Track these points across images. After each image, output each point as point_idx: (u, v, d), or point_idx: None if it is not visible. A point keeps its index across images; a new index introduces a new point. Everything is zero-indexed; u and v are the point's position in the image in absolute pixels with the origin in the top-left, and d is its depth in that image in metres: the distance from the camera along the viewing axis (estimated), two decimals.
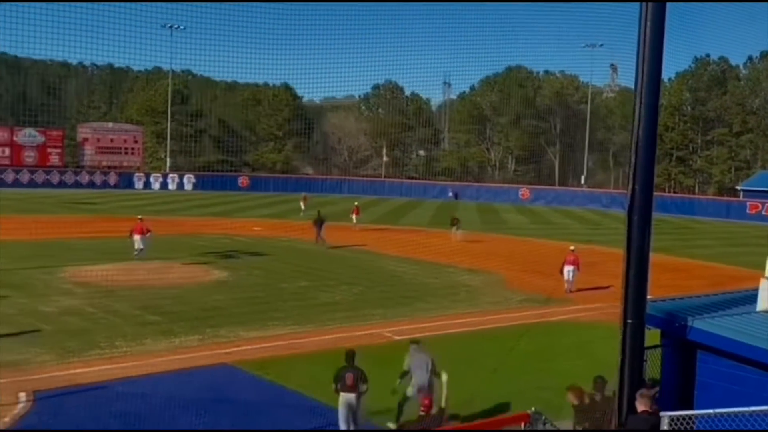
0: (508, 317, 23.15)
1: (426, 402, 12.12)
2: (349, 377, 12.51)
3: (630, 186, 9.74)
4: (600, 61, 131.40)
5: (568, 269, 28.29)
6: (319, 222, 39.78)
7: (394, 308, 24.00)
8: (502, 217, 66.19)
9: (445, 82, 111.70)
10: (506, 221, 61.68)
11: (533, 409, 9.02)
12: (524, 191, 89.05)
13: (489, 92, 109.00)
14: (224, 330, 19.92)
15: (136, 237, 31.57)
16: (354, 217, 47.95)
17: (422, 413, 11.97)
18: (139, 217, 32.39)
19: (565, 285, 28.09)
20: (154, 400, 14.04)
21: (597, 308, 24.46)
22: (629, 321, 9.80)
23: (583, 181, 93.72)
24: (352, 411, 12.51)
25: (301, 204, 56.73)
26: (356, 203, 50.98)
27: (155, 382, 15.34)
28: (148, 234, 31.87)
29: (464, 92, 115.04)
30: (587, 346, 19.62)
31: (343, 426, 12.53)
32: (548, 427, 8.98)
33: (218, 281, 27.69)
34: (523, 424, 8.38)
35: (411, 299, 25.60)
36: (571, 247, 29.75)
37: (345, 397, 12.48)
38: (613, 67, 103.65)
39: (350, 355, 12.92)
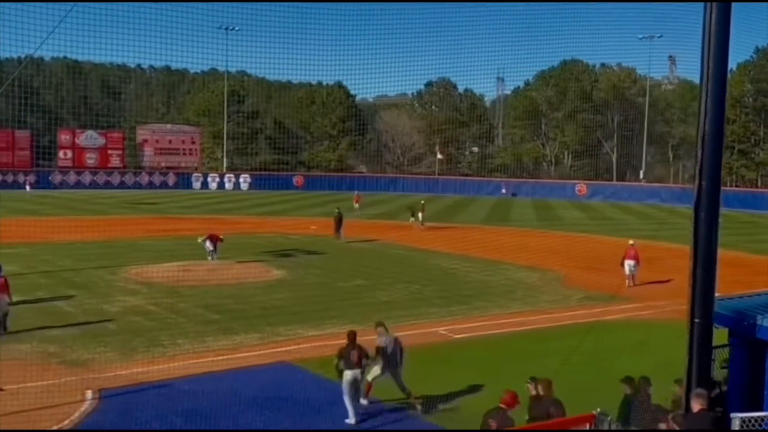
0: (568, 315, 22.83)
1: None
2: (354, 354, 13.49)
3: (696, 181, 9.50)
4: (658, 53, 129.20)
5: (629, 263, 28.29)
6: (339, 219, 40.53)
7: (450, 306, 23.90)
8: (557, 213, 65.42)
9: (498, 78, 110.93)
10: (562, 217, 60.94)
11: (598, 409, 8.86)
12: (581, 187, 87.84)
13: (544, 87, 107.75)
14: (283, 328, 20.10)
15: (208, 243, 31.46)
16: (420, 215, 47.76)
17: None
18: (219, 236, 32.46)
19: (627, 280, 28.04)
20: (216, 398, 14.24)
21: (657, 306, 24.00)
22: (696, 320, 9.56)
23: (641, 176, 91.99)
24: (356, 386, 13.51)
25: (354, 203, 57.03)
26: (422, 201, 50.73)
27: (217, 379, 15.56)
28: (219, 242, 31.85)
29: (519, 87, 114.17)
30: (647, 345, 19.27)
31: (348, 401, 13.36)
32: (613, 427, 8.81)
33: (276, 280, 27.96)
34: (588, 425, 8.23)
35: (467, 297, 25.45)
36: (631, 242, 29.50)
37: (352, 374, 13.45)
38: (672, 59, 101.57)
39: (352, 335, 13.91)
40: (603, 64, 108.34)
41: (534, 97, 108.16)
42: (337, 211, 41.49)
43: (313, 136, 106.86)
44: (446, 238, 42.43)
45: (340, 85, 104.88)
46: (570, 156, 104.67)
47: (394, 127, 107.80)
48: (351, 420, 13.27)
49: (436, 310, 23.26)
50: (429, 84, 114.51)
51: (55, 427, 12.66)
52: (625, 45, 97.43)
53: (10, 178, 75.98)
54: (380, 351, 14.18)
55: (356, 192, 64.14)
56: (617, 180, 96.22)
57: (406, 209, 46.35)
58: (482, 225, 51.51)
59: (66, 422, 12.91)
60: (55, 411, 13.27)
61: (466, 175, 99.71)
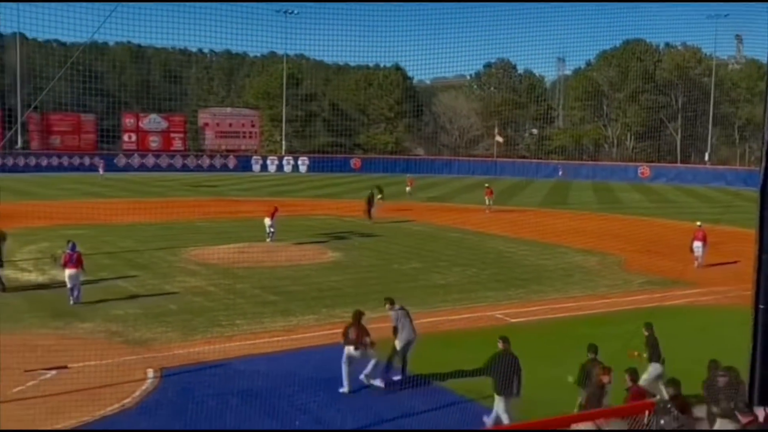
0: (628, 300, 22.44)
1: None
2: (353, 332, 14.15)
3: (763, 163, 9.13)
4: (724, 32, 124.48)
5: (697, 245, 28.36)
6: (371, 199, 40.53)
7: (507, 290, 23.72)
8: (618, 196, 64.20)
9: (559, 58, 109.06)
10: (623, 200, 59.78)
11: (657, 396, 8.67)
12: (644, 169, 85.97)
13: (606, 67, 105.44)
14: (339, 310, 20.21)
15: (267, 220, 32.24)
16: (487, 198, 47.38)
17: None
18: (275, 207, 33.11)
19: (695, 261, 28.04)
20: (272, 378, 14.43)
21: (720, 292, 23.44)
22: (761, 306, 9.24)
23: (706, 158, 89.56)
24: (351, 361, 14.07)
25: (407, 186, 56.84)
26: (487, 185, 50.29)
27: (273, 360, 15.78)
28: (277, 214, 32.56)
29: (580, 68, 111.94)
30: (709, 331, 18.83)
31: (344, 370, 14.03)
32: (674, 415, 8.62)
33: (333, 262, 28.15)
34: (647, 413, 8.06)
35: (524, 281, 25.22)
36: (698, 223, 29.27)
37: (347, 350, 14.14)
38: (738, 38, 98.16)
39: (357, 315, 14.46)
40: (667, 44, 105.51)
41: (595, 78, 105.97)
42: (369, 191, 41.28)
43: (369, 119, 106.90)
44: (503, 221, 42.07)
45: (397, 68, 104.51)
46: (632, 137, 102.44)
47: (451, 108, 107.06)
48: (345, 389, 13.99)
49: (493, 293, 23.11)
50: (488, 65, 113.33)
51: (116, 405, 12.99)
52: (690, 24, 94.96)
53: (87, 161, 78.13)
54: (396, 329, 14.67)
55: (409, 175, 63.93)
56: (681, 162, 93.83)
57: (374, 188, 45.96)
58: (540, 208, 50.90)
59: (128, 400, 13.24)
60: (118, 389, 13.64)
61: (524, 157, 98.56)
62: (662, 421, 8.59)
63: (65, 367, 14.69)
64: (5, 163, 72.61)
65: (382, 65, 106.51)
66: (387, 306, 15.00)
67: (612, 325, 19.09)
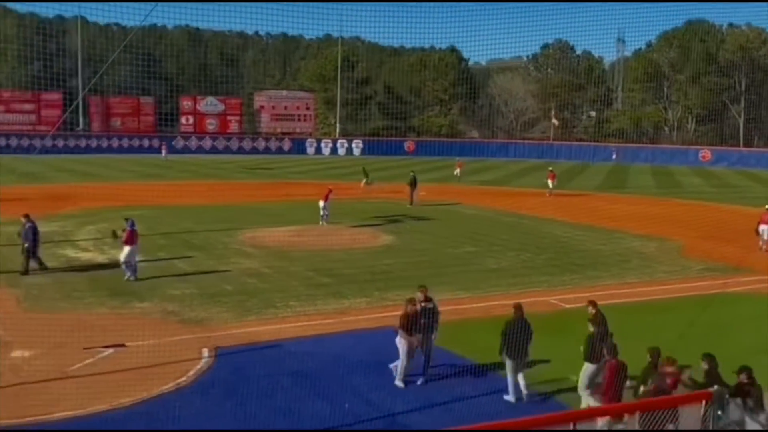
0: (686, 287, 21.92)
1: None
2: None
3: None
4: None
5: (763, 228, 28.00)
6: (413, 183, 40.17)
7: (562, 275, 23.38)
8: (677, 180, 62.75)
9: (619, 39, 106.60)
10: (682, 184, 58.41)
11: (715, 387, 8.42)
12: (705, 153, 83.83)
13: (667, 48, 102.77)
14: (391, 293, 20.20)
15: (321, 203, 32.32)
16: (549, 182, 46.76)
17: None
18: (330, 188, 33.28)
19: (760, 243, 27.78)
20: (323, 360, 14.51)
21: None
22: None
23: None
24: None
25: (457, 170, 56.35)
26: (550, 168, 49.61)
27: (325, 342, 15.86)
28: (330, 195, 32.62)
29: (640, 49, 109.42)
30: None
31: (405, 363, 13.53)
32: (732, 406, 8.35)
33: (385, 245, 28.14)
34: (704, 402, 7.80)
35: (579, 266, 24.83)
36: (766, 207, 28.69)
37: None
38: None
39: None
40: (730, 24, 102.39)
41: (655, 59, 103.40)
42: (411, 174, 41.23)
43: (424, 102, 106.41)
44: (560, 205, 41.52)
45: (452, 50, 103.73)
46: (693, 120, 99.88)
47: (507, 91, 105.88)
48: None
49: (547, 278, 22.81)
50: (545, 46, 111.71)
51: (171, 384, 13.22)
52: (754, 4, 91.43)
53: (146, 143, 79.71)
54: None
55: (458, 158, 63.44)
56: (744, 146, 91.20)
57: (361, 170, 45.40)
58: (597, 192, 50.08)
59: (183, 379, 13.46)
60: (173, 367, 13.87)
61: (581, 140, 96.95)
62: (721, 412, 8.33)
63: (123, 345, 15.01)
64: (67, 145, 74.47)
65: (437, 47, 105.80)
66: (419, 294, 14.29)
67: (669, 313, 18.71)
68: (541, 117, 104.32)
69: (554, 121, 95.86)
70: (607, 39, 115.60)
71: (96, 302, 18.65)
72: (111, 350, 14.74)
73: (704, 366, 11.62)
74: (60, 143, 73.58)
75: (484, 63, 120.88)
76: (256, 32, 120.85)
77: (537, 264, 25.12)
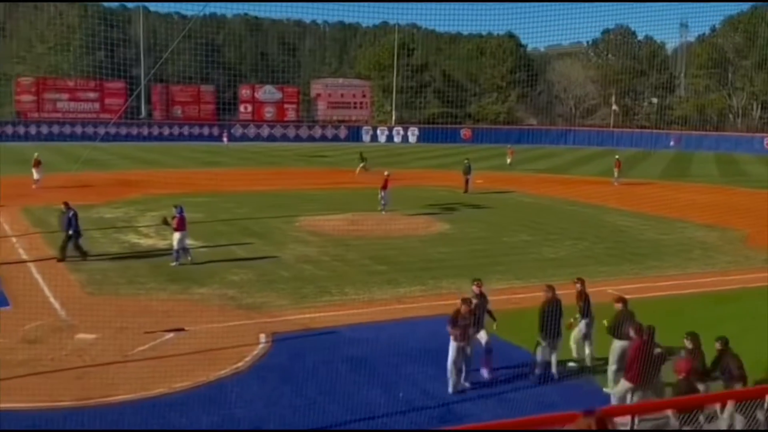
0: (750, 278, 21.30)
1: None
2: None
3: None
4: None
5: None
6: (468, 171, 39.82)
7: (621, 265, 22.99)
8: (742, 168, 60.99)
9: (682, 24, 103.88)
10: (747, 173, 56.75)
11: None
12: None
13: (732, 33, 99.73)
14: (446, 282, 20.17)
15: (381, 191, 32.23)
16: (615, 171, 45.85)
17: None
18: (386, 172, 33.23)
19: None
20: (379, 347, 14.56)
21: None
22: None
23: None
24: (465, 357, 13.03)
25: (508, 157, 55.66)
26: (617, 156, 48.67)
27: (380, 329, 15.92)
28: (388, 183, 32.47)
29: (704, 34, 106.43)
30: None
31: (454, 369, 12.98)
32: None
33: (440, 233, 28.06)
34: None
35: (639, 256, 24.37)
36: None
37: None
38: None
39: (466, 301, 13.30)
40: None
41: (720, 45, 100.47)
42: (466, 161, 40.81)
43: (481, 88, 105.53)
44: (620, 193, 40.83)
45: (510, 36, 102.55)
46: (759, 107, 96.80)
47: (566, 77, 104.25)
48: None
49: (606, 268, 22.44)
50: (606, 31, 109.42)
51: (229, 368, 13.44)
52: None
53: (206, 130, 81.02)
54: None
55: (509, 146, 62.64)
56: None
57: (357, 156, 44.41)
58: (659, 180, 49.03)
59: (240, 363, 13.67)
60: (231, 352, 14.09)
61: (643, 127, 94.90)
62: None
63: (182, 330, 15.31)
64: (129, 132, 76.11)
65: (495, 33, 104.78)
66: (474, 288, 14.11)
67: (732, 304, 18.27)
68: (601, 104, 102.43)
69: (615, 107, 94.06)
70: (670, 24, 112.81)
71: (157, 287, 19.05)
72: (171, 334, 15.05)
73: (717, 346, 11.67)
74: (123, 131, 75.21)
75: (542, 49, 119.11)
76: (314, 21, 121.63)
77: (595, 253, 24.74)
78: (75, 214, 21.94)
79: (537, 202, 37.61)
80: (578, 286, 14.51)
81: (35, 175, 36.85)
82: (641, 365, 11.24)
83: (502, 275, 20.82)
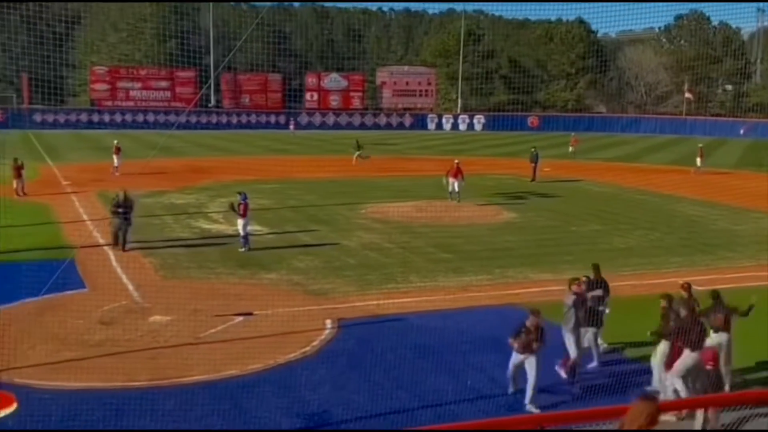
0: None
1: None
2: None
3: None
4: None
5: None
6: (535, 159, 39.25)
7: (693, 256, 22.42)
8: None
9: (759, 9, 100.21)
10: None
11: None
12: None
13: None
14: (512, 271, 20.01)
15: (452, 180, 31.65)
16: (698, 160, 44.55)
17: None
18: (456, 161, 32.87)
19: None
20: (446, 335, 14.54)
21: None
22: None
23: None
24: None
25: (571, 146, 54.48)
26: (700, 145, 47.29)
27: (447, 317, 15.89)
28: (461, 178, 31.63)
29: None
30: None
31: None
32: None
33: (507, 222, 27.82)
34: None
35: (712, 247, 23.73)
36: None
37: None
38: None
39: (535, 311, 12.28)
40: None
41: None
42: (533, 149, 40.24)
43: (549, 75, 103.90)
44: (694, 182, 39.78)
45: (581, 21, 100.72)
46: None
47: (638, 63, 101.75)
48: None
49: (678, 259, 21.92)
50: (679, 17, 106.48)
51: (297, 352, 13.62)
52: None
53: (273, 119, 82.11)
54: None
55: (573, 134, 61.42)
56: None
57: (353, 143, 42.85)
58: (734, 170, 47.53)
59: (308, 348, 13.85)
60: (299, 336, 14.29)
61: (718, 115, 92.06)
62: None
63: (251, 314, 15.59)
64: (199, 121, 77.59)
65: (564, 19, 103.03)
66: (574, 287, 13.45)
67: None
68: (673, 91, 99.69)
69: (688, 95, 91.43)
70: (747, 9, 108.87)
71: (226, 272, 19.42)
72: (241, 318, 15.34)
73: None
74: (193, 119, 76.72)
75: (613, 35, 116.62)
76: (380, 8, 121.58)
77: (667, 244, 24.18)
78: (131, 203, 21.85)
79: (606, 190, 36.94)
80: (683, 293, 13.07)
81: (115, 162, 37.70)
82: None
83: (571, 265, 20.50)
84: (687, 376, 11.39)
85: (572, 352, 12.61)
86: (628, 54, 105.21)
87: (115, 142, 39.39)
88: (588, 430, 4.62)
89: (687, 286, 13.03)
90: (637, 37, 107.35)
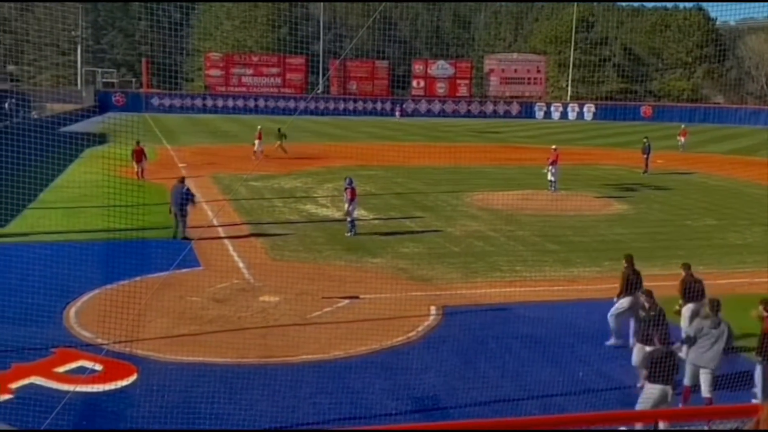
0: None
1: None
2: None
3: None
4: None
5: None
6: (647, 150, 37.85)
7: None
8: None
9: None
10: None
11: None
12: None
13: None
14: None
15: (549, 167, 31.20)
16: None
17: None
18: (554, 147, 32.34)
19: None
20: (553, 326, 14.32)
21: None
22: None
23: None
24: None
25: (680, 137, 51.91)
26: None
27: (554, 308, 15.67)
28: (556, 164, 31.18)
29: None
30: None
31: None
32: None
33: (617, 214, 27.10)
34: None
35: None
36: None
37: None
38: None
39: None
40: None
41: None
42: (645, 140, 38.74)
43: (664, 64, 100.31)
44: None
45: (699, 9, 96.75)
46: None
47: (759, 53, 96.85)
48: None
49: None
50: None
51: (402, 337, 13.74)
52: None
53: (379, 105, 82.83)
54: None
55: (683, 125, 58.85)
56: None
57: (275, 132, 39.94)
58: None
59: (412, 333, 13.94)
60: (403, 321, 14.40)
61: None
62: None
63: (357, 297, 15.82)
64: (308, 107, 79.03)
65: (681, 6, 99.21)
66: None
67: None
68: None
69: None
70: None
71: (333, 255, 19.76)
72: (347, 301, 15.59)
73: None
74: (302, 105, 78.28)
75: (733, 23, 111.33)
76: None
77: None
78: (188, 191, 21.27)
79: (722, 184, 35.42)
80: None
81: (256, 147, 38.28)
82: None
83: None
84: None
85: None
86: (748, 43, 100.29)
87: (259, 127, 39.54)
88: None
89: None
90: (758, 25, 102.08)
